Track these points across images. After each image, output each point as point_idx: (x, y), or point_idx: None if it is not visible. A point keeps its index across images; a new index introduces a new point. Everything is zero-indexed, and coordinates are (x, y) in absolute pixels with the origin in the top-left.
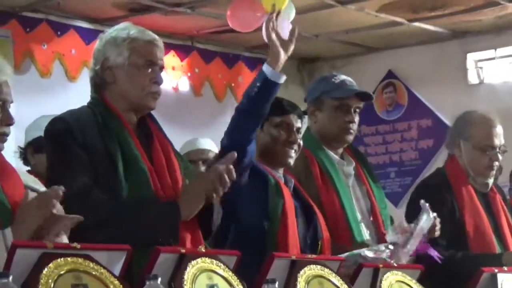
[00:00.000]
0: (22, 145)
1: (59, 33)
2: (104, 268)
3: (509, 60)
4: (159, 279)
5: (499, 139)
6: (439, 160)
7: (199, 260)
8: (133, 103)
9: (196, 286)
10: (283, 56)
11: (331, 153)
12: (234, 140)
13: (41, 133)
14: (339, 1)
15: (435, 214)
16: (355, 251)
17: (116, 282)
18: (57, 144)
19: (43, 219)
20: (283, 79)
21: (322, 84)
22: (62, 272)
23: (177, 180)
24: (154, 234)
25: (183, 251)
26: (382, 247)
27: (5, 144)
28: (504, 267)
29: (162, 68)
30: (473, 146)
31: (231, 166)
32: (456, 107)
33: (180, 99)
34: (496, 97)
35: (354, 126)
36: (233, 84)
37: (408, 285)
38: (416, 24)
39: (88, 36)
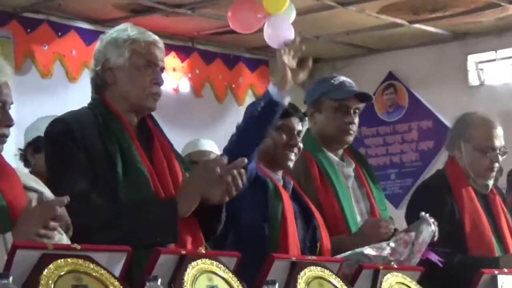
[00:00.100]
0: (22, 146)
1: (59, 34)
2: (104, 269)
3: (510, 62)
4: (159, 280)
5: (499, 141)
6: (440, 162)
7: (199, 261)
8: (133, 104)
9: (196, 287)
10: (291, 81)
11: (331, 155)
12: (234, 159)
13: (40, 134)
14: (340, 2)
15: (435, 227)
16: (357, 250)
17: (116, 283)
18: (57, 145)
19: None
20: (287, 100)
21: (321, 85)
22: (62, 273)
23: (177, 181)
24: (154, 234)
25: (183, 252)
26: (383, 244)
27: (6, 146)
28: (504, 269)
29: (162, 69)
30: (473, 147)
31: (242, 170)
32: (456, 108)
33: (180, 100)
34: (497, 99)
35: (354, 127)
36: (233, 85)
37: (408, 286)
38: (417, 25)
39: (89, 37)
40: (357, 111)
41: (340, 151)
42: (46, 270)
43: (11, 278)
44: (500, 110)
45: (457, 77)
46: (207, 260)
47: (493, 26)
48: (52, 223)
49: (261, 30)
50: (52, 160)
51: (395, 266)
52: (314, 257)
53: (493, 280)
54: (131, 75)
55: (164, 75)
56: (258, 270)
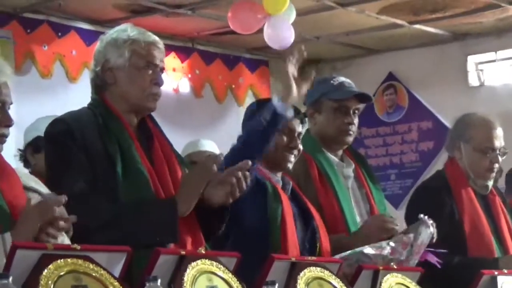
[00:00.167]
0: (22, 146)
1: (60, 34)
2: (104, 269)
3: (510, 63)
4: (159, 281)
5: (499, 141)
6: (440, 162)
7: (199, 261)
8: (133, 104)
9: None
10: (295, 93)
11: (331, 155)
12: None
13: (40, 134)
14: (340, 3)
15: (433, 229)
16: (357, 249)
17: (116, 283)
18: (57, 145)
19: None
20: (291, 112)
21: (321, 86)
22: (62, 273)
23: (177, 182)
24: (153, 234)
25: (183, 252)
26: (383, 243)
27: (5, 146)
28: (504, 270)
29: (162, 69)
30: (473, 148)
31: (247, 173)
32: (456, 109)
33: (180, 101)
34: (497, 100)
35: (353, 128)
36: (233, 86)
37: (408, 287)
38: (417, 26)
39: (89, 37)
40: (356, 111)
41: (340, 152)
42: (46, 270)
43: (11, 278)
44: (500, 110)
45: (457, 77)
46: (206, 260)
47: (493, 27)
48: (62, 224)
49: (261, 30)
50: (52, 160)
51: (395, 266)
52: (313, 258)
53: (493, 281)
54: (131, 76)
55: (164, 76)
56: (258, 271)
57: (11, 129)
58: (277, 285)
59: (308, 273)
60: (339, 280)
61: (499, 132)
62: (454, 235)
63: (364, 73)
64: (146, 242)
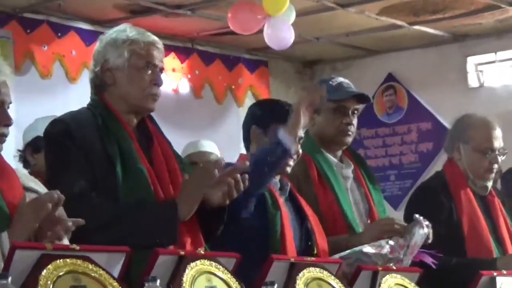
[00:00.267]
0: (21, 146)
1: (59, 34)
2: (103, 269)
3: (510, 64)
4: (158, 281)
5: (498, 142)
6: (439, 163)
7: (198, 262)
8: (132, 104)
9: None
10: (302, 126)
11: (330, 156)
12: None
13: (39, 134)
14: (340, 4)
15: (428, 230)
16: (356, 248)
17: (115, 283)
18: (56, 145)
19: (42, 222)
20: (296, 148)
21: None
22: (61, 274)
23: (177, 182)
24: (153, 236)
25: (182, 253)
26: (382, 242)
27: (5, 146)
28: (503, 271)
29: (162, 70)
30: (473, 148)
31: (246, 175)
32: (456, 110)
33: (180, 101)
34: (496, 101)
35: (352, 128)
36: (233, 86)
37: None
38: (417, 27)
39: (89, 38)
40: (355, 112)
41: (339, 152)
42: (45, 271)
43: (10, 279)
44: (499, 111)
45: (456, 79)
46: (206, 261)
47: (492, 28)
48: (69, 224)
49: (261, 31)
50: (51, 160)
51: (394, 267)
52: (312, 258)
53: (492, 282)
54: (130, 76)
55: (163, 76)
56: (257, 272)
57: (10, 129)
58: (276, 285)
59: (307, 273)
60: (338, 280)
61: (498, 132)
62: (452, 236)
63: (364, 73)
64: (145, 244)
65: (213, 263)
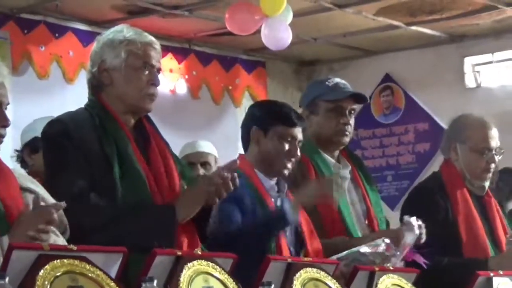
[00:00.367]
0: (19, 147)
1: (57, 35)
2: (101, 270)
3: (506, 64)
4: (155, 282)
5: (495, 141)
6: (436, 164)
7: (195, 262)
8: (130, 105)
9: None
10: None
11: (327, 157)
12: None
13: (37, 134)
14: (337, 4)
15: (420, 230)
16: (354, 249)
17: (112, 284)
18: (54, 146)
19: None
20: (297, 219)
21: (316, 87)
22: (58, 274)
23: (174, 182)
24: (151, 238)
25: (179, 253)
26: (378, 241)
27: (2, 146)
28: (499, 271)
29: (159, 70)
30: (470, 148)
31: (235, 174)
32: (453, 111)
33: (177, 102)
34: (493, 101)
35: (350, 128)
36: (230, 87)
37: None
38: (414, 27)
39: (86, 38)
40: (352, 112)
41: (336, 153)
42: (42, 271)
43: (7, 279)
44: (496, 112)
45: (454, 79)
46: (203, 261)
47: (490, 29)
48: (43, 226)
49: (258, 31)
50: (49, 160)
51: (391, 268)
52: (309, 259)
53: (489, 282)
54: (128, 76)
55: (161, 77)
56: (255, 272)
57: (7, 129)
58: (273, 285)
59: (304, 274)
60: (335, 281)
61: (494, 132)
62: (449, 236)
63: (361, 74)
64: (143, 245)
65: (210, 264)
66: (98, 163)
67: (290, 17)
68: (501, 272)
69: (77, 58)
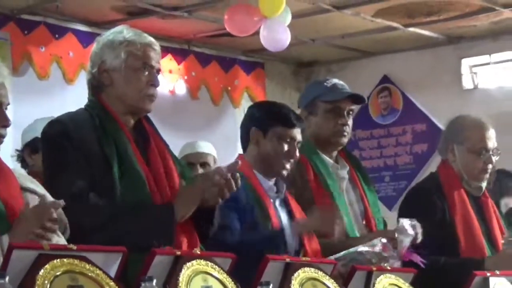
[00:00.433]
0: (20, 146)
1: (57, 36)
2: (100, 269)
3: (504, 66)
4: (154, 281)
5: (492, 142)
6: (434, 164)
7: (194, 262)
8: (129, 105)
9: None
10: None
11: (325, 157)
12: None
13: (38, 135)
14: (336, 6)
15: (416, 230)
16: (351, 249)
17: (112, 283)
18: (54, 146)
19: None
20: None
21: (314, 88)
22: (58, 273)
23: (173, 182)
24: (150, 237)
25: (178, 253)
26: (375, 241)
27: (3, 146)
28: (496, 271)
29: (158, 71)
30: (467, 149)
31: (238, 175)
32: (450, 112)
33: (176, 102)
34: (490, 102)
35: (348, 129)
36: (229, 88)
37: None
38: (412, 29)
39: (86, 39)
40: (350, 113)
41: (335, 153)
42: (42, 270)
43: (7, 278)
44: (494, 113)
45: (451, 80)
46: (202, 261)
47: (487, 30)
48: (50, 225)
49: (257, 33)
50: (49, 160)
51: (388, 268)
52: (308, 259)
53: (485, 282)
54: (127, 77)
55: (160, 77)
56: (253, 272)
57: (8, 129)
58: (271, 285)
59: (302, 273)
60: (332, 281)
61: (491, 133)
62: (446, 236)
63: (359, 75)
64: (142, 245)
65: (209, 263)
66: (97, 163)
67: (288, 18)
68: (497, 272)
69: (77, 58)
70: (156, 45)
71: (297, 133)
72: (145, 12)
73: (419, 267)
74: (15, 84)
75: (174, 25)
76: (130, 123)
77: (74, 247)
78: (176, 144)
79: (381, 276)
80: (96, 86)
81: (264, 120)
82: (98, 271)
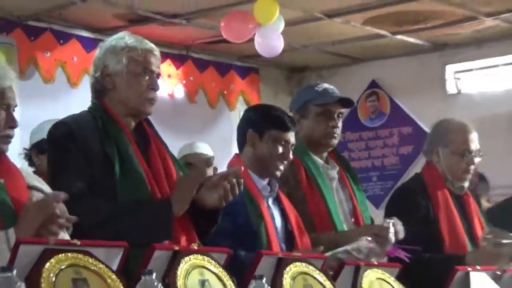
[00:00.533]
0: (27, 147)
1: (61, 41)
2: (103, 263)
3: (486, 72)
4: (154, 274)
5: (474, 144)
6: (419, 165)
7: (191, 256)
8: (131, 108)
9: (188, 281)
10: None
11: (317, 158)
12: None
13: (45, 136)
14: (327, 14)
15: (393, 229)
16: (339, 249)
17: (114, 276)
18: (59, 147)
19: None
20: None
21: (306, 92)
22: (63, 267)
23: (173, 182)
24: (149, 233)
25: (177, 248)
26: (360, 242)
27: (10, 145)
28: (477, 266)
29: (158, 75)
30: (451, 151)
31: (241, 180)
32: (435, 115)
33: (175, 106)
34: (473, 106)
35: (338, 131)
36: (225, 92)
37: (387, 282)
38: (399, 36)
39: (89, 45)
40: (340, 115)
41: (325, 154)
42: (47, 264)
43: (15, 271)
44: (476, 117)
45: (436, 86)
46: (199, 255)
47: (470, 38)
48: (62, 221)
49: (252, 39)
50: (53, 161)
51: (375, 263)
52: (299, 254)
53: (466, 277)
54: (129, 81)
55: (160, 82)
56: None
57: (15, 130)
58: (264, 279)
59: (294, 268)
60: (322, 275)
61: (474, 136)
62: (430, 234)
63: (348, 80)
64: (141, 241)
65: (206, 258)
66: (99, 163)
67: (282, 26)
68: (478, 267)
69: (80, 63)
70: (156, 51)
71: (291, 136)
72: (146, 19)
73: (404, 262)
74: (22, 87)
75: (174, 32)
76: (131, 125)
77: (78, 242)
78: (175, 145)
79: (368, 271)
80: (99, 90)
81: (260, 123)
82: (101, 265)
